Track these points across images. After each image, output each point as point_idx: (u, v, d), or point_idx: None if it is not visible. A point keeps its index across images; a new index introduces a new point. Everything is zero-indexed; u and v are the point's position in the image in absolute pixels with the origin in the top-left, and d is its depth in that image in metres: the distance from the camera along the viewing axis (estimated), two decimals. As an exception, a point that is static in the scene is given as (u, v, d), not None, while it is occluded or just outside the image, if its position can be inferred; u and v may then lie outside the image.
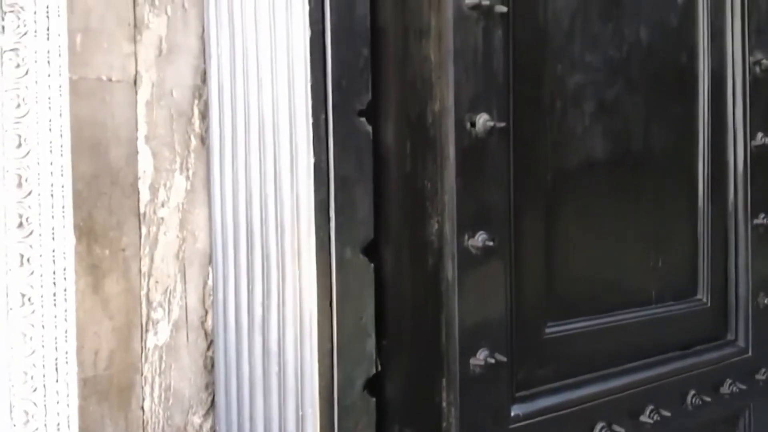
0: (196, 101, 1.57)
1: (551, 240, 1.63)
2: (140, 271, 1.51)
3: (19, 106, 1.64)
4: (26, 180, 1.62)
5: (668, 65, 1.85)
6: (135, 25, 1.50)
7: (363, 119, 1.32)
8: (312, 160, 1.28)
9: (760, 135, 2.01)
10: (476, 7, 1.43)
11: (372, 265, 1.33)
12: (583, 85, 1.69)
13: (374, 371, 1.36)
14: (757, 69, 2.00)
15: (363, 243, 1.32)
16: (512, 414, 1.53)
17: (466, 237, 1.45)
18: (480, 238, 1.45)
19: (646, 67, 1.80)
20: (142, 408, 1.52)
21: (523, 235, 1.56)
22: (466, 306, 1.45)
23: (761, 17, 2.02)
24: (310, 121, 1.28)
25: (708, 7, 1.92)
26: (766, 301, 2.05)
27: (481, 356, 1.47)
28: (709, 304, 1.97)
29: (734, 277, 2.01)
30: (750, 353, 2.05)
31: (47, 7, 1.56)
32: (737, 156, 1.99)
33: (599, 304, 1.74)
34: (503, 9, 1.47)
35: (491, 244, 1.46)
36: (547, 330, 1.63)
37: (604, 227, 1.74)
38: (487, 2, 1.44)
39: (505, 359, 1.49)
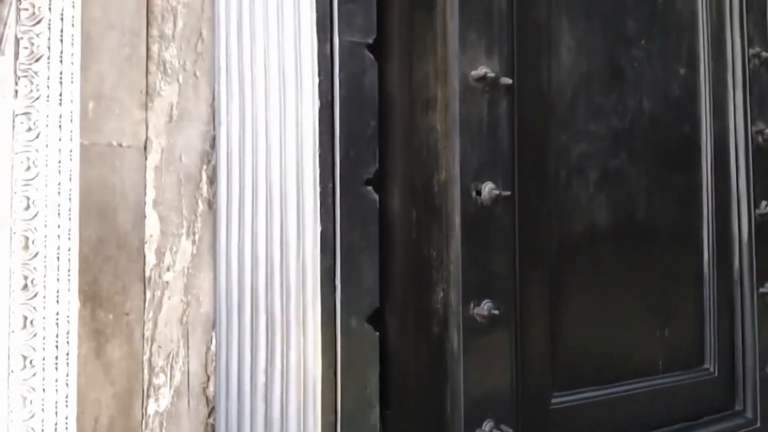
0: (205, 166, 1.59)
1: (556, 309, 1.62)
2: (143, 335, 1.50)
3: (28, 168, 1.66)
4: (33, 242, 1.63)
5: (671, 135, 1.87)
6: (147, 92, 1.53)
7: (370, 188, 1.33)
8: (319, 228, 1.29)
9: (764, 204, 2.02)
10: (482, 79, 1.46)
11: (377, 334, 1.32)
12: (587, 155, 1.70)
13: (378, 442, 1.34)
14: (760, 138, 2.02)
15: (368, 311, 1.32)
16: (518, 487, 1.50)
17: (472, 305, 1.44)
18: (485, 307, 1.45)
19: (650, 137, 1.82)
20: (141, 476, 1.50)
21: (529, 304, 1.56)
22: (471, 376, 1.44)
23: (763, 88, 2.05)
24: (318, 189, 1.29)
25: (709, 78, 1.95)
26: (773, 371, 2.03)
27: (487, 427, 1.44)
28: (716, 374, 1.94)
29: (741, 347, 1.99)
30: (758, 424, 2.01)
31: (60, 73, 1.60)
32: (742, 225, 1.99)
33: (606, 374, 1.72)
34: (508, 81, 1.49)
35: (497, 312, 1.45)
36: (554, 401, 1.60)
37: (609, 296, 1.74)
38: (493, 74, 1.46)
39: (511, 431, 1.46)
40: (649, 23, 1.83)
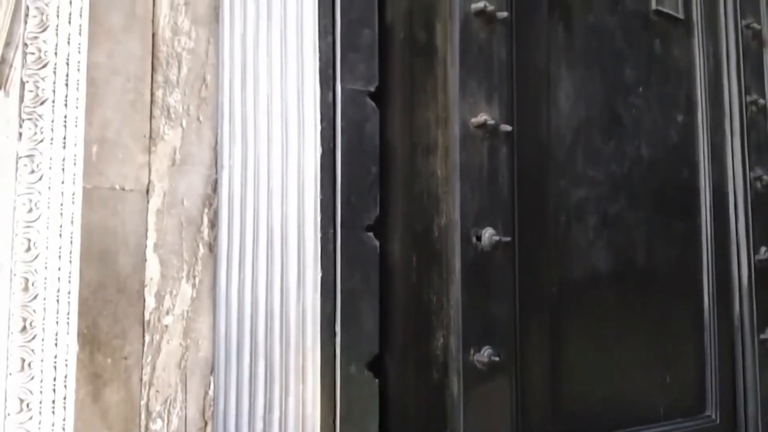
0: (206, 210, 1.60)
1: (557, 355, 1.62)
2: (141, 380, 1.49)
3: (30, 210, 1.67)
4: (33, 284, 1.63)
5: (670, 181, 1.88)
6: (150, 137, 1.54)
7: (370, 234, 1.34)
8: (319, 274, 1.29)
9: (763, 249, 2.02)
10: (482, 126, 1.47)
11: (377, 381, 1.32)
12: (587, 200, 1.71)
13: (376, 492, 1.32)
14: (758, 185, 2.03)
15: (368, 358, 1.31)
16: None
17: (472, 352, 1.44)
18: (485, 353, 1.44)
19: (648, 182, 1.83)
20: None
21: (529, 350, 1.55)
22: (471, 423, 1.42)
23: (760, 134, 2.07)
24: (319, 235, 1.29)
25: (707, 125, 1.96)
26: (775, 419, 2.01)
27: (487, 476, 1.43)
28: (718, 422, 1.92)
29: (743, 394, 1.98)
30: (761, 472, 1.99)
31: (65, 116, 1.61)
32: (741, 270, 1.99)
33: (607, 421, 1.70)
34: (508, 128, 1.51)
35: (497, 359, 1.44)
36: (554, 448, 1.59)
37: (610, 342, 1.73)
38: (492, 121, 1.48)
39: (511, 479, 1.45)
40: (647, 71, 1.85)
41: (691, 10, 1.97)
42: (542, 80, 1.63)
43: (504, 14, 1.51)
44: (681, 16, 1.93)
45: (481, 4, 1.47)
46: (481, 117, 1.47)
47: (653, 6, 1.87)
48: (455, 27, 1.47)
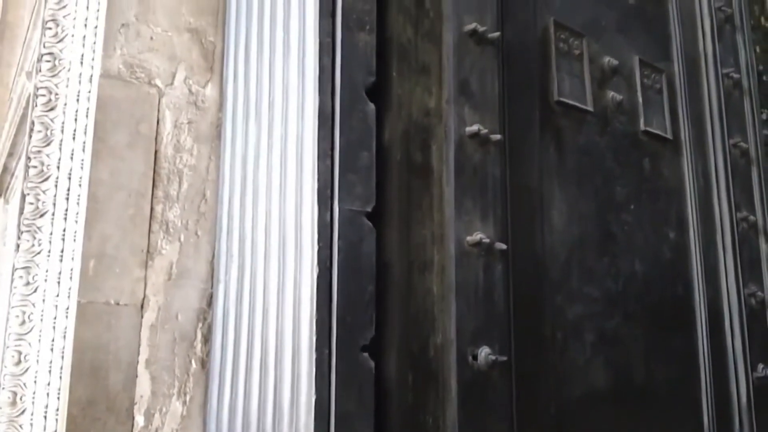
0: (200, 324, 1.59)
1: (556, 478, 1.57)
2: (127, 503, 1.44)
3: (23, 323, 1.65)
4: (21, 398, 1.60)
5: (665, 298, 1.89)
6: (148, 251, 1.55)
7: (366, 354, 1.32)
8: (313, 397, 1.27)
9: (761, 366, 2.00)
10: (477, 244, 1.49)
11: None
12: (583, 317, 1.71)
13: None
14: (753, 301, 2.03)
15: (362, 486, 1.28)
16: None
17: (469, 476, 1.40)
18: (483, 478, 1.40)
19: (644, 299, 1.83)
20: None
21: (527, 473, 1.51)
22: None
23: (753, 251, 2.08)
24: (314, 356, 1.28)
25: (699, 242, 1.98)
26: None
27: None
28: None
29: None
30: None
31: (64, 230, 1.63)
32: (740, 388, 1.96)
33: None
34: (503, 246, 1.52)
35: (494, 484, 1.40)
36: None
37: (609, 463, 1.69)
38: (488, 239, 1.50)
39: None
40: (638, 189, 1.89)
41: (679, 130, 2.03)
42: (536, 199, 1.66)
43: (498, 136, 1.55)
44: (669, 136, 1.99)
45: (475, 128, 1.52)
46: (477, 235, 1.49)
47: (642, 127, 1.93)
48: (450, 149, 1.51)
